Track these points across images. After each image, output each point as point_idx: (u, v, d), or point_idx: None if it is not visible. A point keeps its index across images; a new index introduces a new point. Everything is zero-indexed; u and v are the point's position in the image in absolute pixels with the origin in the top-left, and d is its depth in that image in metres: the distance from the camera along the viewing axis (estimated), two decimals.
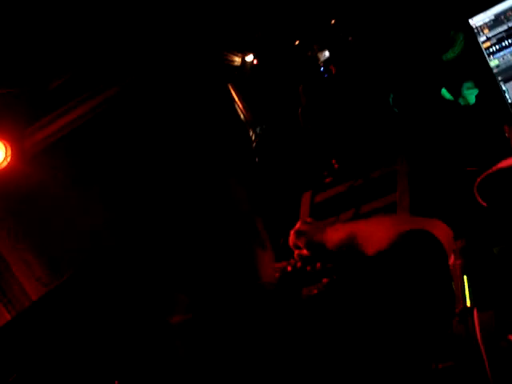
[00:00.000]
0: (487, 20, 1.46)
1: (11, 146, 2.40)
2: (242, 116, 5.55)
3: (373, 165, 1.73)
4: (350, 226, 1.23)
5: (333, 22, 2.42)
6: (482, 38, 1.48)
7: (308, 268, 1.53)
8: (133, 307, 1.03)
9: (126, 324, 1.03)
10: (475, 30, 1.47)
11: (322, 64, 2.59)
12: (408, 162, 1.62)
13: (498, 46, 1.47)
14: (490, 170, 1.49)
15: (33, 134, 2.60)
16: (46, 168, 2.58)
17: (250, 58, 4.53)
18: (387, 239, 1.04)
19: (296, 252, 1.45)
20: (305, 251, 1.41)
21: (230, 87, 5.48)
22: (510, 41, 1.45)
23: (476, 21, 1.47)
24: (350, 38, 2.39)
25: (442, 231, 1.03)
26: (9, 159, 2.36)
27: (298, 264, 1.60)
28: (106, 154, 2.73)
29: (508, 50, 1.46)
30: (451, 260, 1.39)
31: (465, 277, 1.36)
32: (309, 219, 1.41)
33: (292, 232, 1.42)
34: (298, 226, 1.40)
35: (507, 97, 1.49)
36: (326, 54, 2.64)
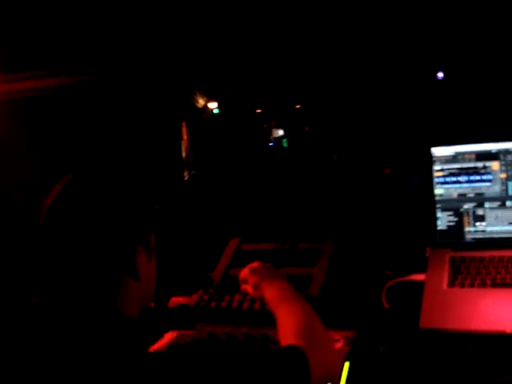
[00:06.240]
0: (447, 154, 1.67)
1: None
2: (183, 154, 5.62)
3: (303, 236, 1.85)
4: (282, 299, 1.29)
5: (298, 106, 2.58)
6: (436, 167, 1.69)
7: (213, 304, 1.57)
8: None
9: None
10: (433, 158, 1.68)
11: (273, 139, 2.73)
12: (336, 245, 1.76)
13: (446, 179, 1.67)
14: (402, 279, 1.66)
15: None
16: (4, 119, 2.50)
17: (213, 105, 4.70)
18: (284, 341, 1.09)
19: (242, 286, 1.51)
20: (250, 289, 1.47)
21: (183, 124, 5.59)
22: (457, 178, 1.66)
23: (437, 151, 1.69)
24: (306, 128, 2.55)
25: (322, 354, 1.08)
26: None
27: (205, 297, 1.63)
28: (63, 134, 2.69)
29: (453, 185, 1.67)
30: (339, 345, 1.49)
31: (347, 363, 1.45)
32: (267, 264, 1.48)
33: (248, 267, 1.48)
34: (256, 264, 1.47)
35: (438, 223, 1.69)
36: (280, 132, 2.77)
